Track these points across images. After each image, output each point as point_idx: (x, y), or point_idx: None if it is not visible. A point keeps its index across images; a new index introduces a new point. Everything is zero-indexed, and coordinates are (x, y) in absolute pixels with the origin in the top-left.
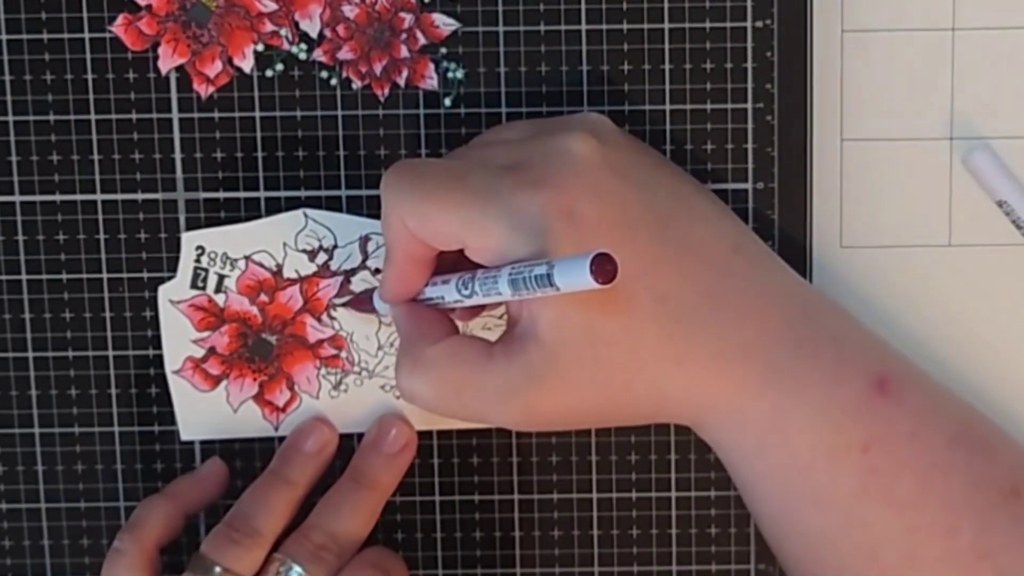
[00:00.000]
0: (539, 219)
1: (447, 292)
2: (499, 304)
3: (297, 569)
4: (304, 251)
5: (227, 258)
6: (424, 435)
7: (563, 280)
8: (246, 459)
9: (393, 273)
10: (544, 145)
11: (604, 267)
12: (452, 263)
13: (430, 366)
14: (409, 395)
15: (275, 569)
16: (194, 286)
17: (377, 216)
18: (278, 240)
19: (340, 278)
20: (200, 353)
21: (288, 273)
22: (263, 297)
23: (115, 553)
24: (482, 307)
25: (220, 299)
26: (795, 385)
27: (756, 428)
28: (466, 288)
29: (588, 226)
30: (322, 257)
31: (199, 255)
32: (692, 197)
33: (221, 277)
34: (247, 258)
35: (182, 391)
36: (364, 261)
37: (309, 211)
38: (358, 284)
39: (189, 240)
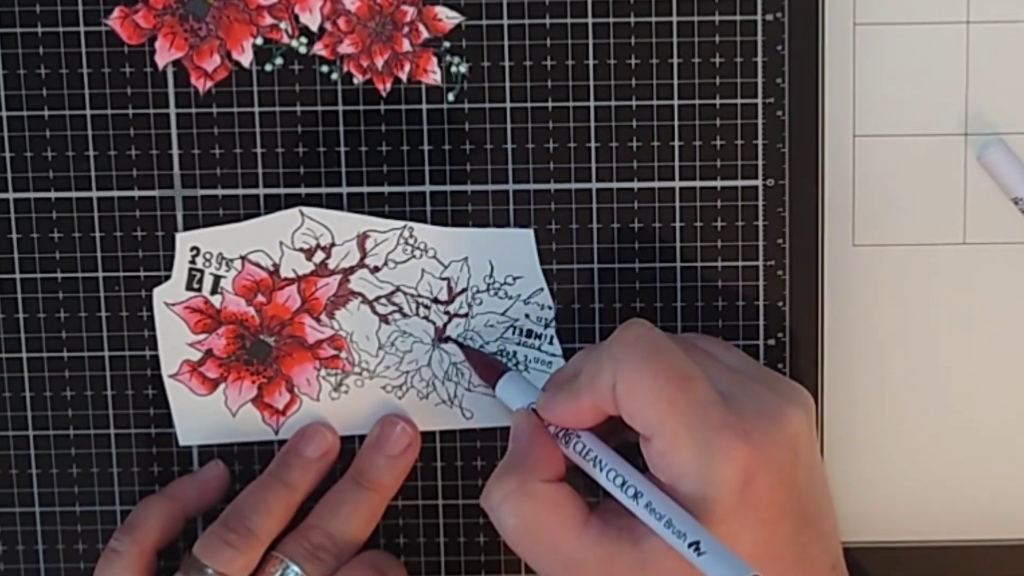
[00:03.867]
0: (722, 466)
1: (578, 459)
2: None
3: (295, 568)
4: (301, 250)
5: (222, 258)
6: (426, 437)
7: (708, 562)
8: (245, 462)
9: (571, 406)
10: (767, 402)
11: None
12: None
13: (529, 500)
14: (493, 512)
15: (273, 568)
16: (189, 288)
17: (377, 214)
18: (274, 239)
19: (338, 276)
20: (197, 356)
21: (285, 272)
22: (260, 298)
23: (111, 553)
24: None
25: (216, 300)
26: None
27: None
28: (618, 481)
29: (756, 496)
30: (320, 255)
31: (194, 256)
32: (828, 505)
33: (217, 278)
34: (243, 258)
35: (179, 395)
36: (362, 259)
37: (305, 209)
38: (357, 283)
39: (183, 241)
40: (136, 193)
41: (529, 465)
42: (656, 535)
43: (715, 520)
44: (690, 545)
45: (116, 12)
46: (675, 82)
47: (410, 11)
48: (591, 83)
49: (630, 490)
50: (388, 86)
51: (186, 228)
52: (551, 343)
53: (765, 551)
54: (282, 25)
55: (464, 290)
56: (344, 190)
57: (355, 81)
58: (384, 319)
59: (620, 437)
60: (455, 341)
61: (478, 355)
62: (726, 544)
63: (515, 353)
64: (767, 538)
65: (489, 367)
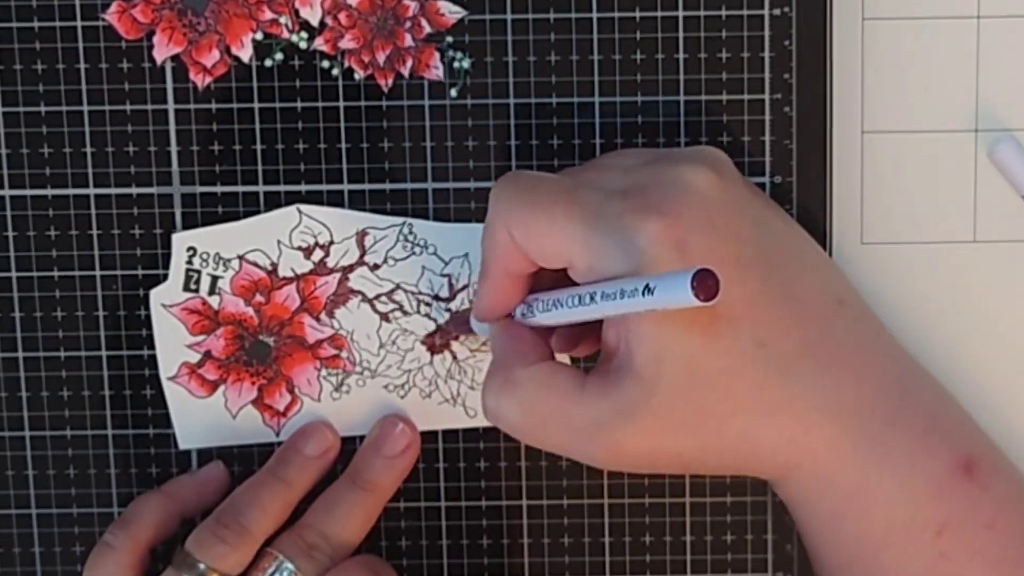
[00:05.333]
0: (648, 246)
1: (540, 307)
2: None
3: (289, 566)
4: (299, 248)
5: (220, 258)
6: (428, 438)
7: (663, 294)
8: (245, 464)
9: (489, 287)
10: (661, 173)
11: (705, 282)
12: (546, 286)
13: (520, 388)
14: (495, 415)
15: (267, 564)
16: (187, 289)
17: (378, 211)
18: (272, 238)
19: (338, 275)
20: (196, 358)
21: (283, 272)
22: (259, 297)
23: (104, 548)
24: (582, 337)
25: (214, 301)
26: (883, 454)
27: (839, 494)
28: (560, 304)
29: (697, 259)
30: (318, 254)
31: (191, 256)
32: (801, 244)
33: (214, 278)
34: (240, 258)
35: (178, 398)
36: (361, 257)
37: (303, 207)
38: (356, 281)
39: (180, 241)
40: (134, 190)
41: (507, 360)
42: (643, 350)
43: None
44: (643, 293)
45: (113, 7)
46: (681, 78)
47: (412, 6)
48: (595, 78)
49: (585, 299)
50: (390, 82)
51: (185, 226)
52: None
53: (746, 309)
54: (282, 20)
55: (465, 286)
56: (345, 187)
57: (356, 77)
58: (385, 317)
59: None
60: (443, 328)
61: (453, 322)
62: (704, 317)
63: None
64: (739, 296)
65: (461, 321)
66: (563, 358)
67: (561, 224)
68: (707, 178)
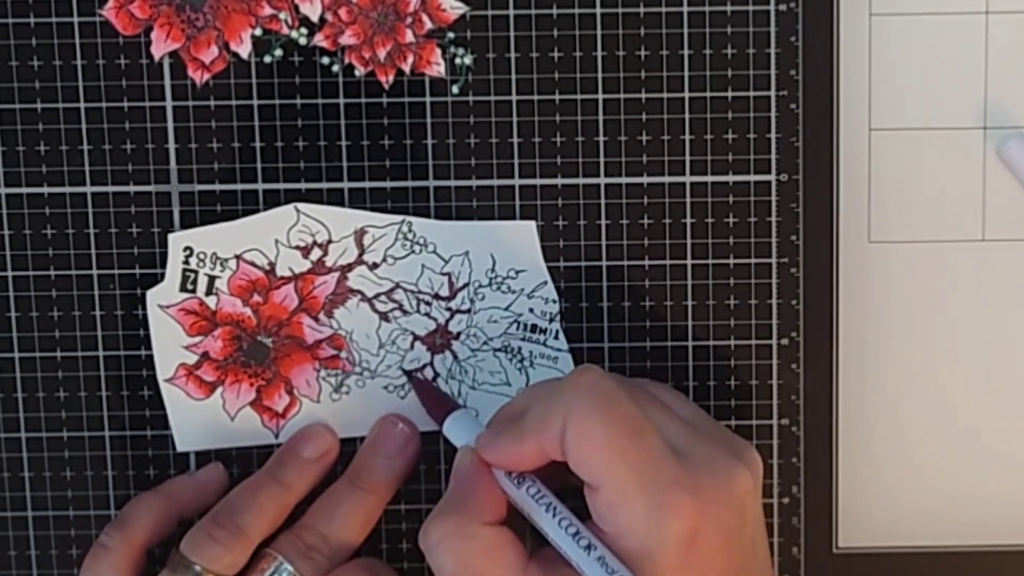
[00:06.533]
0: (671, 523)
1: (534, 493)
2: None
3: (288, 567)
4: (297, 247)
5: (217, 258)
6: (430, 439)
7: None
8: (244, 466)
9: (513, 448)
10: (714, 459)
11: None
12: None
13: (468, 543)
14: (430, 554)
15: (266, 565)
16: (183, 289)
17: (379, 209)
18: (269, 237)
19: (336, 274)
20: (193, 359)
21: (281, 271)
22: (256, 297)
23: (100, 549)
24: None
25: (211, 301)
26: None
27: None
28: (556, 513)
29: (698, 554)
30: (316, 253)
31: (187, 256)
32: (767, 566)
33: (211, 278)
34: (238, 257)
35: (176, 400)
36: (360, 256)
37: (301, 205)
38: (355, 280)
39: (176, 241)
40: (131, 188)
41: (470, 507)
42: None
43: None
44: None
45: (111, 2)
46: (686, 74)
47: (413, 1)
48: (599, 75)
49: (583, 541)
50: (391, 78)
51: (183, 225)
52: (556, 338)
53: None
54: (281, 15)
55: (466, 285)
56: (345, 185)
57: (357, 73)
58: (384, 317)
59: (561, 482)
60: (408, 374)
61: (430, 390)
62: None
63: (520, 349)
64: None
65: (439, 404)
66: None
67: (614, 458)
68: (747, 486)
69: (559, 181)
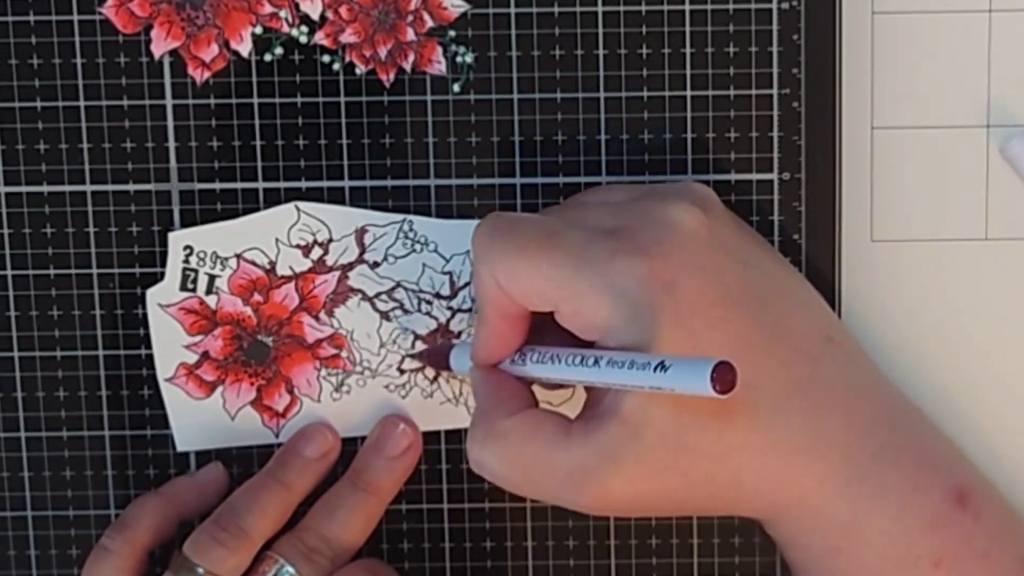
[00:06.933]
0: (637, 289)
1: (535, 359)
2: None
3: (289, 569)
4: (298, 246)
5: (217, 257)
6: (431, 439)
7: (678, 379)
8: (244, 466)
9: (487, 331)
10: (648, 212)
11: (725, 376)
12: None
13: (504, 438)
14: (478, 466)
15: (267, 568)
16: (183, 288)
17: (379, 208)
18: (270, 236)
19: (337, 273)
20: (193, 359)
21: (282, 270)
22: (257, 297)
23: (102, 551)
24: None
25: (212, 301)
26: (874, 490)
27: (830, 530)
28: (558, 360)
29: (687, 301)
30: (317, 252)
31: (187, 255)
32: (788, 280)
33: (212, 277)
34: (238, 256)
35: (176, 399)
36: (361, 254)
37: (301, 204)
38: (356, 279)
39: (176, 240)
40: (131, 187)
41: (490, 408)
42: (632, 395)
43: (663, 346)
44: (655, 369)
45: (111, 0)
46: (687, 72)
47: None
48: (601, 73)
49: (589, 360)
50: (391, 77)
51: (183, 223)
52: None
53: (735, 351)
54: (282, 13)
55: (467, 284)
56: (346, 184)
57: (357, 71)
58: (385, 316)
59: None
60: (409, 356)
61: (428, 353)
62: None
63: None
64: (729, 337)
65: (438, 354)
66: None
67: (545, 269)
68: (695, 217)
69: (561, 180)
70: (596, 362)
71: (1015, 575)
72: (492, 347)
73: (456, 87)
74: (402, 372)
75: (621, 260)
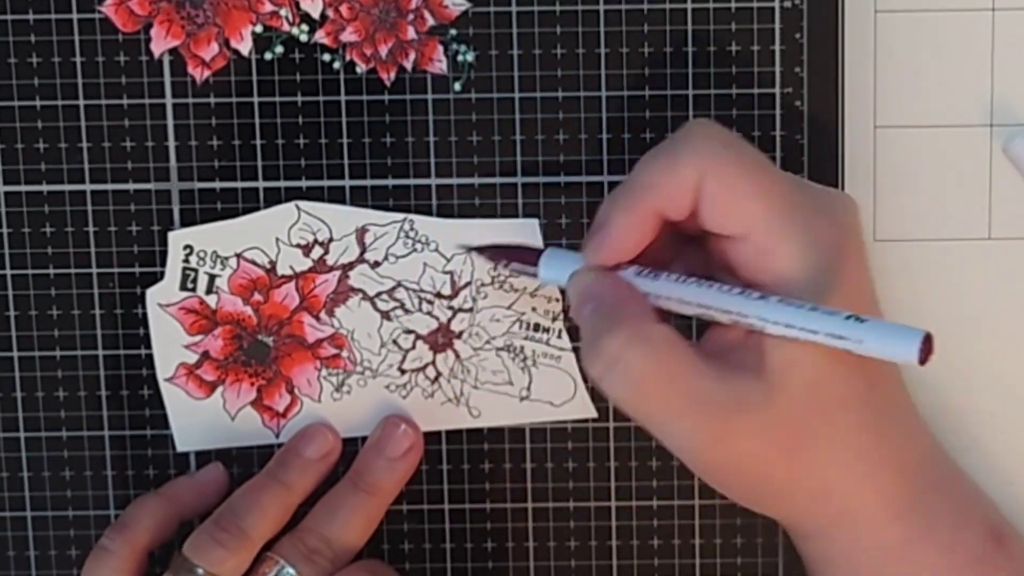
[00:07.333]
0: (827, 252)
1: (677, 291)
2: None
3: (290, 570)
4: (298, 246)
5: (217, 256)
6: (432, 438)
7: (879, 342)
8: (244, 466)
9: (632, 221)
10: (825, 190)
11: (928, 346)
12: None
13: (648, 344)
14: (611, 367)
15: (268, 569)
16: (183, 288)
17: (380, 207)
18: (270, 235)
19: (337, 272)
20: (193, 358)
21: (282, 270)
22: (257, 296)
23: (102, 552)
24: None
25: (212, 300)
26: (928, 520)
27: (884, 552)
28: (735, 290)
29: (850, 275)
30: (317, 251)
31: (187, 255)
32: None
33: (212, 277)
34: (238, 256)
35: (176, 399)
36: (362, 254)
37: (301, 203)
38: (357, 278)
39: (176, 239)
40: (131, 186)
41: (632, 311)
42: (778, 354)
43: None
44: (848, 318)
45: None
46: (690, 71)
47: None
48: (602, 72)
49: (753, 294)
50: (392, 75)
51: (183, 223)
52: (560, 337)
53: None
54: (282, 12)
55: (468, 284)
56: (347, 183)
57: (358, 70)
58: (386, 315)
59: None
60: (475, 249)
61: (506, 250)
62: None
63: (522, 348)
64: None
65: (519, 253)
66: None
67: (762, 196)
68: (857, 210)
69: (562, 179)
70: (764, 297)
71: None
72: (627, 241)
73: (457, 86)
74: (403, 372)
75: (820, 219)
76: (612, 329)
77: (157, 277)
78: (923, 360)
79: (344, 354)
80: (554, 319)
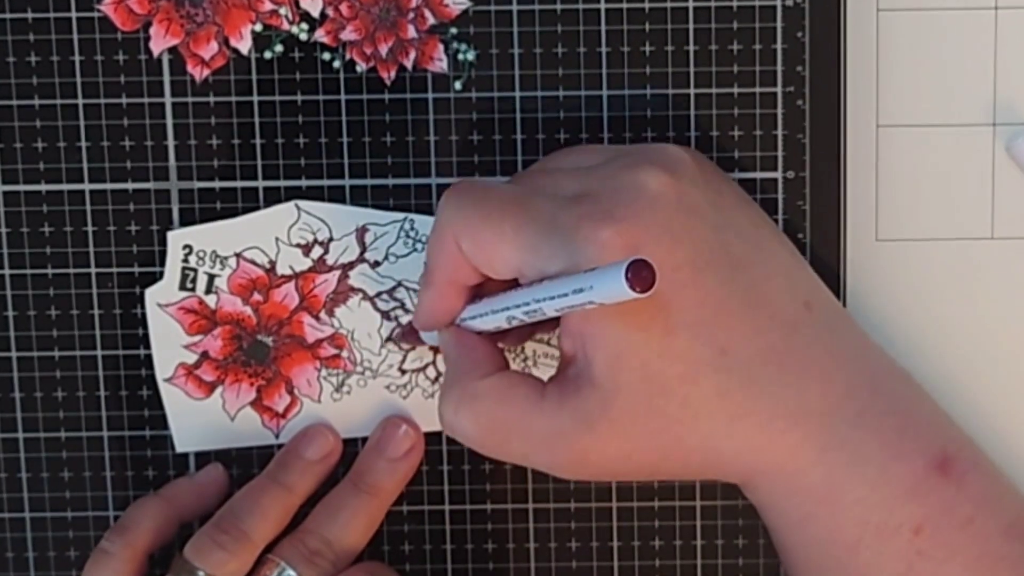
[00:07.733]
0: (600, 254)
1: (481, 310)
2: (547, 329)
3: (291, 572)
4: (298, 245)
5: (216, 256)
6: (433, 439)
7: (599, 287)
8: (244, 467)
9: (432, 296)
10: (615, 177)
11: (640, 273)
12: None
13: (478, 401)
14: (452, 429)
15: (269, 571)
16: (183, 288)
17: (380, 207)
18: (270, 235)
19: (337, 272)
20: (192, 359)
21: (282, 270)
22: (257, 296)
23: (102, 555)
24: (530, 331)
25: (211, 300)
26: (851, 457)
27: (805, 497)
28: (501, 306)
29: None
30: (317, 251)
31: (187, 254)
32: (768, 243)
33: (211, 277)
34: (238, 255)
35: (175, 400)
36: (362, 254)
37: (301, 203)
38: (357, 278)
39: (175, 239)
40: (130, 186)
41: (463, 370)
42: (601, 361)
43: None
44: (576, 292)
45: None
46: (691, 70)
47: None
48: (604, 71)
49: (527, 299)
50: (392, 74)
51: (182, 222)
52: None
53: (704, 315)
54: (282, 11)
55: None
56: (347, 182)
57: (358, 69)
58: (386, 315)
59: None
60: (389, 340)
61: (403, 332)
62: (660, 323)
63: (523, 348)
64: (696, 301)
65: (412, 332)
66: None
67: (511, 236)
68: (662, 181)
69: None
70: (540, 300)
71: (1001, 542)
72: (435, 312)
73: (458, 85)
74: (403, 372)
75: (586, 226)
76: (444, 394)
77: (156, 277)
78: (644, 289)
79: (344, 354)
80: None
